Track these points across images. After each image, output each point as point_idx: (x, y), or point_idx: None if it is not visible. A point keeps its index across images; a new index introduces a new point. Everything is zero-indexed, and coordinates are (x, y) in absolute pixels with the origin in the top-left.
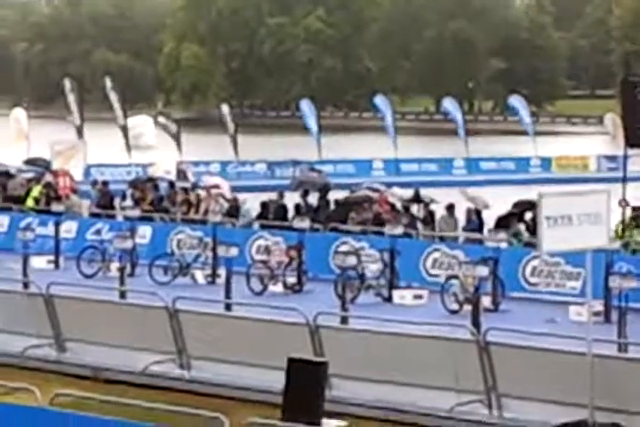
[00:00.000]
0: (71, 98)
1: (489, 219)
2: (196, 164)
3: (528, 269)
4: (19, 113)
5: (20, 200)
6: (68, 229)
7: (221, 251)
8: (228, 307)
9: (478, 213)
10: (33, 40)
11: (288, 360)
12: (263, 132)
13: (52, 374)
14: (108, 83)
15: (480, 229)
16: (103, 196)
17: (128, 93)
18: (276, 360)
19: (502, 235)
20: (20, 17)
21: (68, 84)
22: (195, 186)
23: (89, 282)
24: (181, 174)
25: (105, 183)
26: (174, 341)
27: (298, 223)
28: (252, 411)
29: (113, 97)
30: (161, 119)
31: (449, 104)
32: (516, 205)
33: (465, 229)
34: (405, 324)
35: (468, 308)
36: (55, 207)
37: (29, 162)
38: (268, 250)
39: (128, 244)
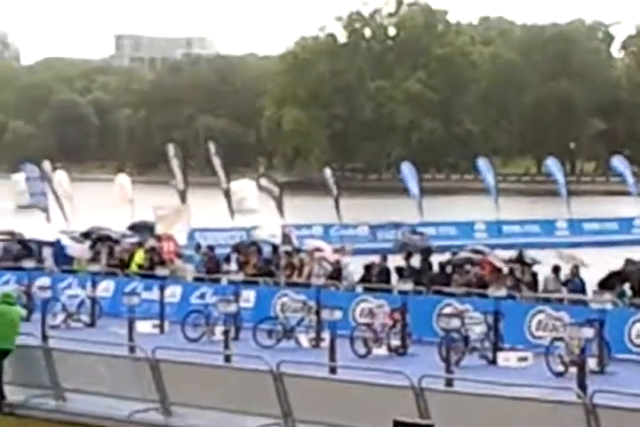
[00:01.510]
0: (175, 163)
1: (590, 279)
2: (299, 227)
3: (634, 331)
4: (123, 178)
5: (125, 265)
6: (173, 293)
7: (325, 314)
8: (332, 370)
9: (578, 273)
10: (136, 106)
11: (394, 423)
12: (365, 195)
13: None
14: (212, 148)
15: (583, 290)
16: (209, 260)
17: (230, 158)
18: (381, 423)
19: (608, 296)
20: (123, 83)
21: (171, 149)
22: (298, 249)
23: (194, 346)
24: (286, 238)
25: (211, 248)
26: (279, 404)
27: (401, 286)
28: None
29: (216, 161)
30: (264, 183)
31: (551, 165)
32: (627, 262)
33: (568, 290)
34: (510, 386)
35: (573, 370)
36: (160, 272)
37: (135, 227)
38: (371, 313)
39: (232, 308)
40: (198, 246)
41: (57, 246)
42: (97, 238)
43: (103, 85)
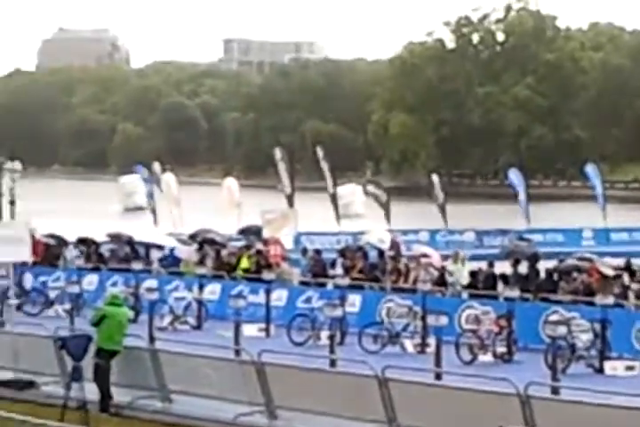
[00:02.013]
0: (282, 167)
1: None
2: (405, 232)
3: None
4: (230, 182)
5: (232, 268)
6: (279, 297)
7: (431, 320)
8: (437, 376)
9: None
10: (244, 110)
11: None
12: (471, 201)
13: None
14: (320, 152)
15: None
16: (315, 264)
17: (337, 162)
18: None
19: None
20: (231, 87)
21: (278, 153)
22: (399, 251)
23: (299, 350)
24: (394, 244)
25: (317, 252)
26: (384, 409)
27: (507, 292)
28: None
29: (324, 166)
30: (370, 188)
31: None
32: None
33: None
34: (618, 395)
35: None
36: (266, 275)
37: (245, 230)
38: (477, 319)
39: (338, 312)
40: (305, 250)
41: (165, 249)
42: (203, 241)
43: (211, 89)
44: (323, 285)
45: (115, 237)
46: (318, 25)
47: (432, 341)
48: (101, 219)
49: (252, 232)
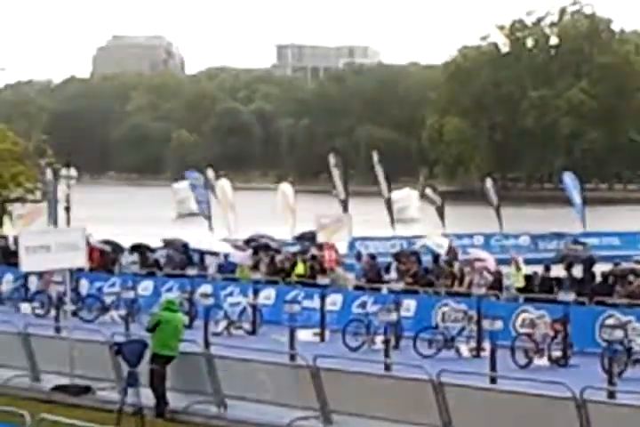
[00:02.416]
0: (336, 172)
1: None
2: (460, 236)
3: None
4: (285, 188)
5: (286, 273)
6: (334, 301)
7: (486, 324)
8: (493, 380)
9: None
10: (298, 115)
11: None
12: (526, 205)
13: None
14: (375, 157)
15: None
16: (369, 269)
17: (391, 167)
18: None
19: None
20: (285, 93)
21: (332, 158)
22: (456, 256)
23: (354, 355)
24: (451, 250)
25: (372, 256)
26: (439, 414)
27: (563, 296)
28: None
29: (379, 171)
30: (427, 192)
31: None
32: None
33: None
34: None
35: None
36: (321, 280)
37: (302, 236)
38: (532, 323)
39: (393, 317)
40: (359, 255)
41: (220, 254)
42: (258, 247)
43: (265, 95)
44: (377, 289)
45: (170, 244)
46: (372, 29)
47: (487, 345)
48: (155, 225)
49: (308, 238)
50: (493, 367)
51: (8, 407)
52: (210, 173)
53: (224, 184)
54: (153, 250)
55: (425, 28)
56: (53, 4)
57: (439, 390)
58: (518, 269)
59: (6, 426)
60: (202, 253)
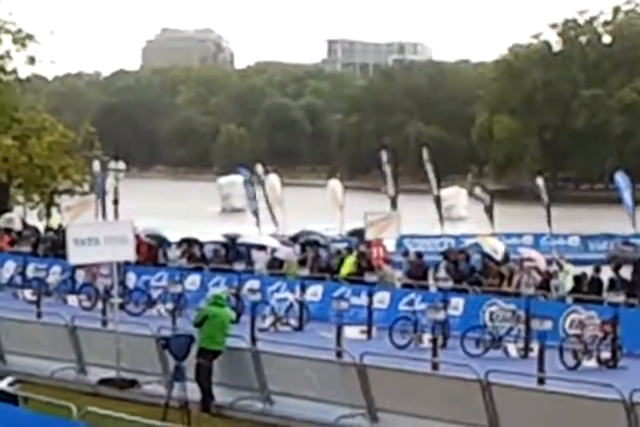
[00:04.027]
0: (387, 169)
1: None
2: (509, 236)
3: None
4: (335, 184)
5: (334, 270)
6: (381, 299)
7: (535, 324)
8: (541, 381)
9: None
10: (348, 111)
11: None
12: (576, 205)
13: None
14: (425, 154)
15: None
16: (416, 267)
17: (441, 164)
18: None
19: None
20: (335, 88)
21: (384, 155)
22: (507, 258)
23: (401, 353)
24: (506, 255)
25: (419, 254)
26: (486, 414)
27: (612, 297)
28: None
29: (428, 168)
30: (477, 190)
31: None
32: None
33: None
34: None
35: None
36: (368, 277)
37: (354, 233)
38: (581, 324)
39: (441, 315)
40: (406, 253)
41: (267, 250)
42: (306, 243)
43: (315, 90)
44: (425, 287)
45: (229, 238)
46: (423, 26)
47: (535, 345)
48: (200, 220)
49: (358, 235)
50: (541, 368)
51: (54, 400)
52: (259, 168)
53: (273, 180)
54: (201, 244)
55: (476, 25)
56: None
57: (486, 390)
58: (561, 269)
59: (53, 418)
60: (249, 249)
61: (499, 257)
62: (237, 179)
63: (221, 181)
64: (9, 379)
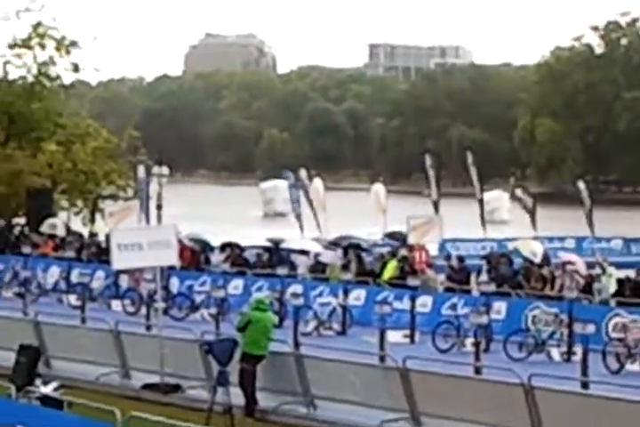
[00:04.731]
0: (431, 173)
1: None
2: (551, 239)
3: None
4: (378, 188)
5: (377, 274)
6: (424, 303)
7: (577, 328)
8: (584, 385)
9: None
10: (390, 115)
11: None
12: (619, 208)
13: None
14: (469, 158)
15: None
16: (459, 271)
17: (482, 168)
18: None
19: None
20: (377, 93)
21: (428, 159)
22: (548, 261)
23: (444, 357)
24: (545, 258)
25: (460, 258)
26: (529, 418)
27: None
28: None
29: (472, 172)
30: (519, 193)
31: None
32: None
33: None
34: None
35: None
36: (411, 281)
37: (389, 235)
38: (625, 327)
39: (483, 319)
40: (448, 256)
41: (310, 254)
42: (348, 247)
43: (357, 94)
44: (468, 291)
45: (273, 242)
46: (464, 29)
47: (578, 349)
48: (243, 224)
49: (395, 238)
50: (584, 372)
51: (99, 404)
52: (303, 172)
53: (317, 184)
54: (243, 249)
55: (518, 28)
56: (147, 1)
57: (530, 394)
58: (604, 272)
59: (97, 423)
60: (292, 253)
61: (537, 260)
62: (280, 183)
63: (264, 186)
64: (54, 384)
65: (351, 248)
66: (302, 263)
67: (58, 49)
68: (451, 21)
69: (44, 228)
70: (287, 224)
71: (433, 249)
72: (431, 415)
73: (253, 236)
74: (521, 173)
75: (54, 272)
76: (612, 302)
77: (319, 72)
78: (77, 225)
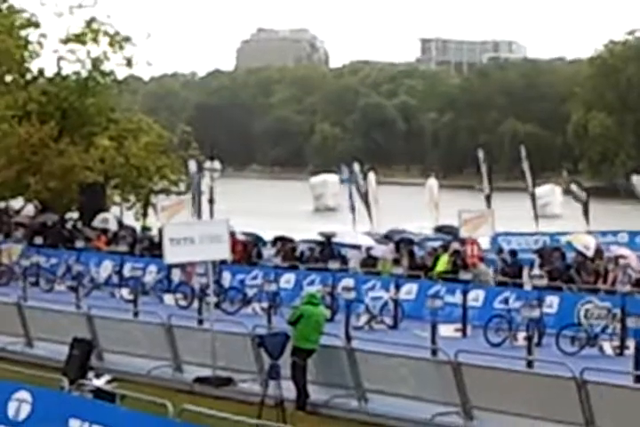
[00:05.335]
0: (483, 167)
1: None
2: (604, 233)
3: None
4: (432, 183)
5: (428, 268)
6: (476, 297)
7: (630, 322)
8: (637, 379)
9: None
10: (442, 110)
11: None
12: None
13: None
14: (523, 152)
15: None
16: (511, 264)
17: (535, 162)
18: None
19: None
20: (429, 87)
21: (481, 154)
22: (601, 255)
23: (496, 351)
24: (598, 252)
25: (513, 252)
26: (582, 412)
27: None
28: None
29: (525, 166)
30: (573, 187)
31: None
32: None
33: None
34: None
35: None
36: (463, 275)
37: (439, 229)
38: None
39: (535, 313)
40: (500, 250)
41: (362, 248)
42: (400, 241)
43: (409, 89)
44: (520, 285)
45: (325, 237)
46: (518, 24)
47: (631, 343)
48: (294, 219)
49: (445, 231)
50: (637, 366)
51: (151, 397)
52: (356, 166)
53: (371, 178)
54: (295, 243)
55: (571, 22)
56: None
57: (582, 388)
58: None
59: (149, 416)
60: (343, 247)
61: (590, 253)
62: (329, 178)
63: (313, 181)
64: (106, 377)
65: (403, 242)
66: (354, 257)
67: (111, 44)
68: (503, 16)
69: (97, 222)
70: (337, 219)
71: (485, 243)
72: (483, 409)
73: (305, 230)
74: (573, 167)
75: (107, 266)
76: None
77: (371, 67)
78: (130, 220)
